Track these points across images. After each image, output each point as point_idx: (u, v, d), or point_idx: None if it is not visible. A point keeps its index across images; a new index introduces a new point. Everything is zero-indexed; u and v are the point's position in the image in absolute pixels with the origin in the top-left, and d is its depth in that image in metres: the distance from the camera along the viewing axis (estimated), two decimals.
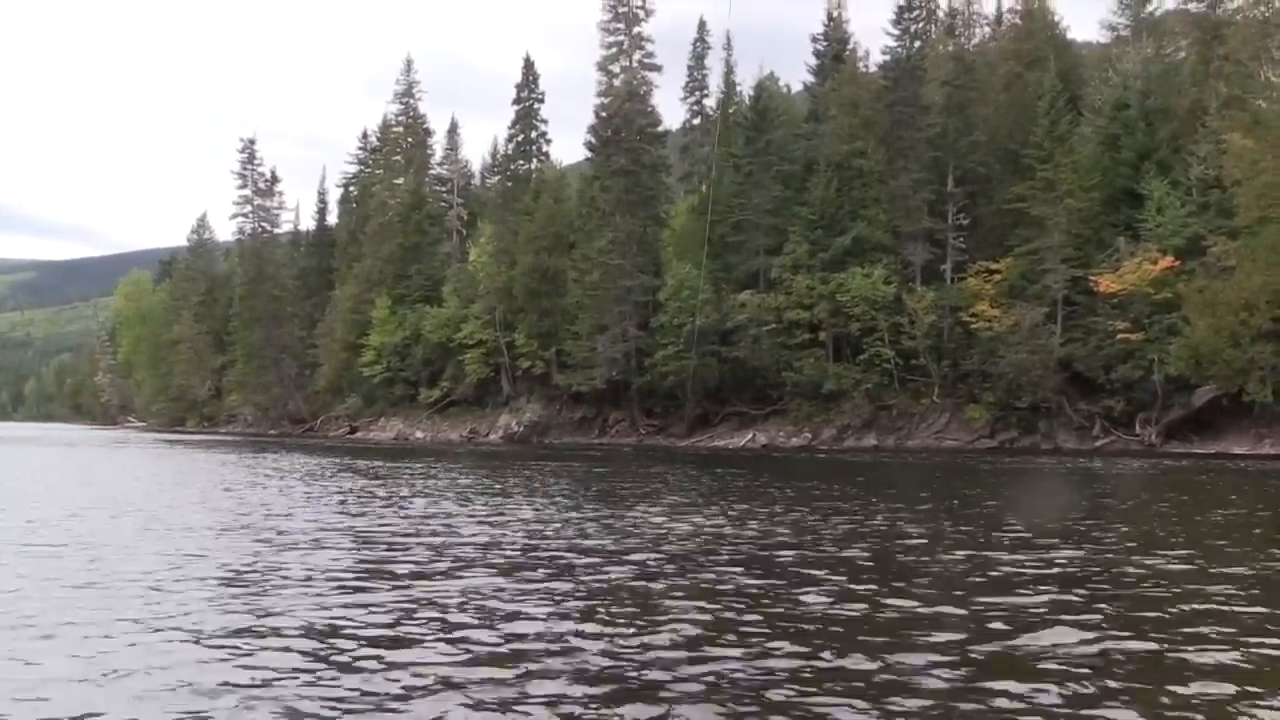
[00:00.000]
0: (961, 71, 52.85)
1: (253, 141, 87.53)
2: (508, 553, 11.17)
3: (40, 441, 58.70)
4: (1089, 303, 45.05)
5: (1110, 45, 56.51)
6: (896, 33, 53.59)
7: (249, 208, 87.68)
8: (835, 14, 63.31)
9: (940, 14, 60.64)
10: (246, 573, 9.53)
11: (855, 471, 30.35)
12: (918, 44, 54.28)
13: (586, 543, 11.91)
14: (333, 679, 5.85)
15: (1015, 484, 25.73)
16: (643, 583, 9.29)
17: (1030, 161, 47.19)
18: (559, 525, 13.75)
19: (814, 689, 5.70)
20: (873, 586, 8.96)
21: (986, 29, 63.64)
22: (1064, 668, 6.13)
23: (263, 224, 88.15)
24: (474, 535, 12.59)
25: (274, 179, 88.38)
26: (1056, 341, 45.30)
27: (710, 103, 66.34)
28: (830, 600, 8.28)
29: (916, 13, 54.71)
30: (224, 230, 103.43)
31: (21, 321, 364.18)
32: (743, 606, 7.96)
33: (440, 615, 7.61)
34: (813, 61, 63.53)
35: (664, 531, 13.07)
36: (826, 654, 6.45)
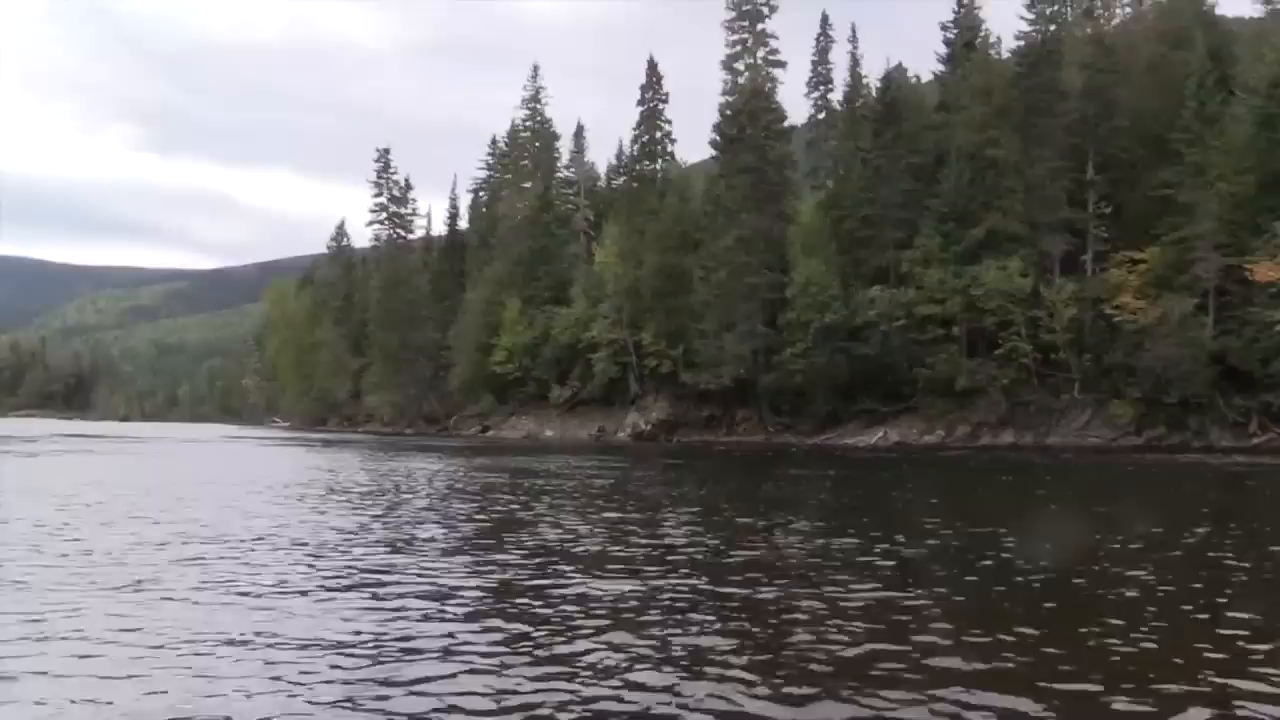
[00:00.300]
0: (1101, 54, 50.82)
1: (387, 151, 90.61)
2: (651, 564, 11.27)
3: (200, 440, 61.74)
4: (1244, 292, 42.68)
5: (1265, 19, 53.39)
6: (1031, 16, 52.05)
7: (384, 215, 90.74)
8: (966, 0, 61.55)
9: None
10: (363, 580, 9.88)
11: (1006, 472, 29.52)
12: (1053, 27, 52.46)
13: (727, 560, 11.90)
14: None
15: (1199, 488, 23.96)
16: (810, 603, 8.48)
17: (1178, 145, 45.11)
18: (694, 539, 13.76)
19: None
20: (1081, 617, 7.95)
21: (1128, 9, 61.03)
22: None
23: (397, 230, 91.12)
24: (613, 543, 12.75)
25: (407, 186, 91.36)
26: (1208, 334, 43.10)
27: (835, 97, 65.49)
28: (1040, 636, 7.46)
29: None
30: (361, 237, 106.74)
31: (175, 328, 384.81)
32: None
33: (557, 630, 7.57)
34: (942, 50, 61.96)
35: (817, 545, 12.46)
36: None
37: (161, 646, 6.44)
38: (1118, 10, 60.72)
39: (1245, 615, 7.67)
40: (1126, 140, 49.70)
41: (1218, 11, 57.75)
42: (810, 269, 53.25)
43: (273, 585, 8.59)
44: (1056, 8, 53.84)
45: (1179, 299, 43.60)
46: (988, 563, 10.38)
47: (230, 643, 6.57)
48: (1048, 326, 47.28)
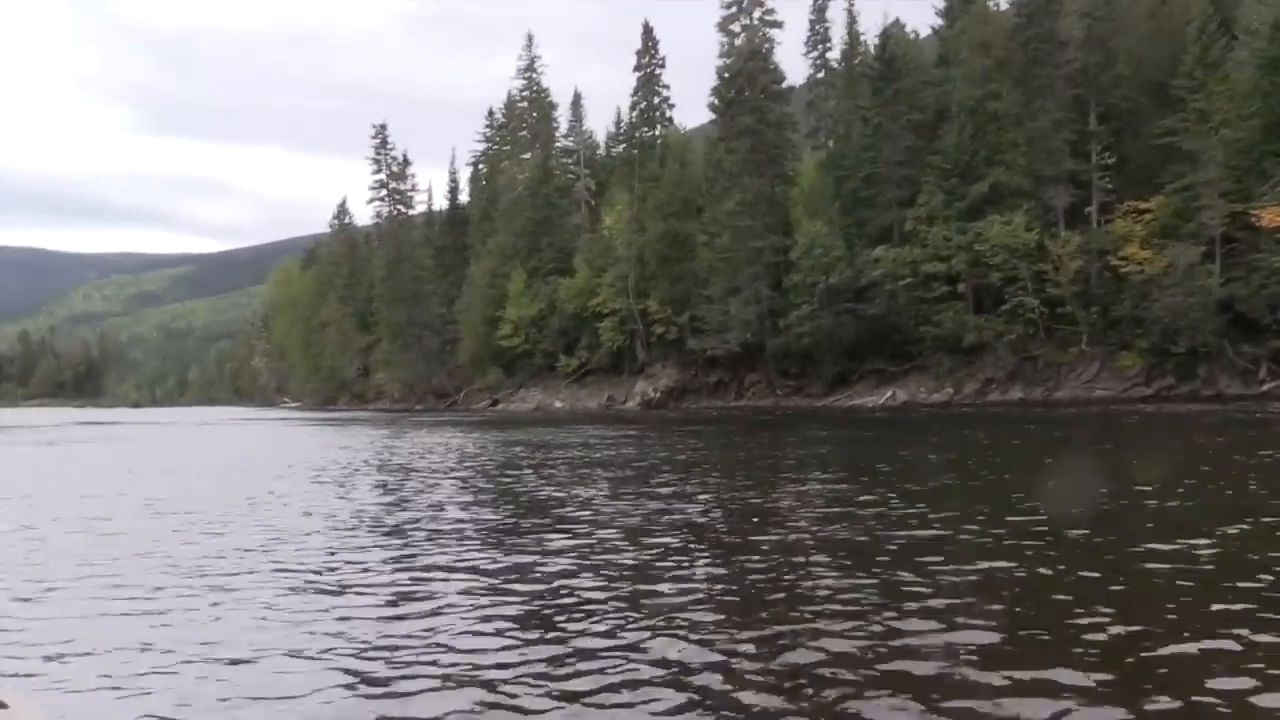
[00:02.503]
0: (1101, 2, 50.31)
1: (384, 127, 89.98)
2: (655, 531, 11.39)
3: (213, 422, 62.09)
4: (1250, 239, 42.56)
5: None
6: None
7: (384, 192, 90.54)
8: None
9: None
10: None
11: (1017, 426, 29.61)
12: None
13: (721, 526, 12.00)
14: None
15: (1215, 437, 23.66)
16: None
17: (1180, 93, 44.82)
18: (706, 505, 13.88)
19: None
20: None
21: None
22: None
23: (398, 206, 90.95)
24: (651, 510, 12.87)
25: (406, 162, 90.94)
26: (1216, 282, 43.00)
27: (834, 55, 65.05)
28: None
29: None
30: (363, 215, 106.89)
31: (182, 312, 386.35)
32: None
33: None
34: (940, 4, 61.42)
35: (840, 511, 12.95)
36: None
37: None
38: None
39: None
40: (1128, 89, 49.37)
41: None
42: (813, 230, 53.17)
43: (350, 571, 8.69)
44: None
45: (1185, 248, 43.48)
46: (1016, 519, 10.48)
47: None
48: (1054, 280, 47.22)
